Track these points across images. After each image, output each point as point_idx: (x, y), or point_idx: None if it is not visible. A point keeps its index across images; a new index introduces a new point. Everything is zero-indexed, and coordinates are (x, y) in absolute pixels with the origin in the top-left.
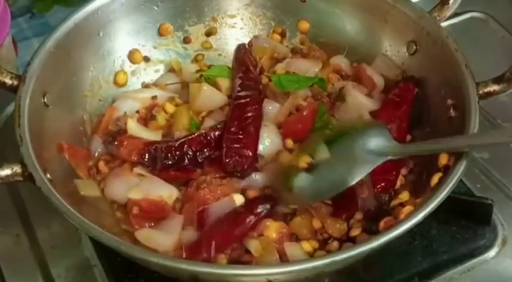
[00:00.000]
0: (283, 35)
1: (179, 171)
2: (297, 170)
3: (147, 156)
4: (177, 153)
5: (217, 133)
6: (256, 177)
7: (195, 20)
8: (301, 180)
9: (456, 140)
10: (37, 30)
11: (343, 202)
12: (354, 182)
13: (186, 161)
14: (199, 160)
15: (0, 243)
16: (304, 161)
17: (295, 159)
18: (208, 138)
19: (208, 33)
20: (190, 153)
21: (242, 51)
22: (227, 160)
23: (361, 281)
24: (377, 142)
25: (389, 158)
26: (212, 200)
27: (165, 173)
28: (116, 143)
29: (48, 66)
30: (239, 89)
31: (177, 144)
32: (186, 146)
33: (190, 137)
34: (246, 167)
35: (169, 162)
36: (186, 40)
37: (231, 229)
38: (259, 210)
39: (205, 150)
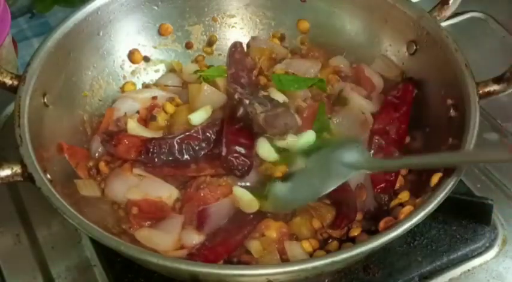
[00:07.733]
0: (282, 39)
1: (174, 168)
2: (272, 179)
3: (145, 153)
4: (176, 149)
5: (215, 129)
6: (254, 177)
7: (195, 20)
8: (276, 189)
9: (430, 157)
10: (37, 30)
11: (342, 210)
12: (325, 193)
13: (186, 156)
14: (198, 156)
15: (0, 243)
16: (279, 170)
17: (271, 168)
18: (207, 134)
19: (210, 43)
20: (189, 148)
21: (238, 49)
22: (228, 158)
23: (361, 281)
24: (351, 156)
25: (363, 171)
26: (212, 200)
27: (159, 170)
28: (113, 142)
29: (48, 66)
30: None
31: (175, 140)
32: (185, 141)
33: (188, 133)
34: (246, 167)
35: (169, 158)
36: (188, 45)
37: (235, 236)
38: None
39: (204, 145)
